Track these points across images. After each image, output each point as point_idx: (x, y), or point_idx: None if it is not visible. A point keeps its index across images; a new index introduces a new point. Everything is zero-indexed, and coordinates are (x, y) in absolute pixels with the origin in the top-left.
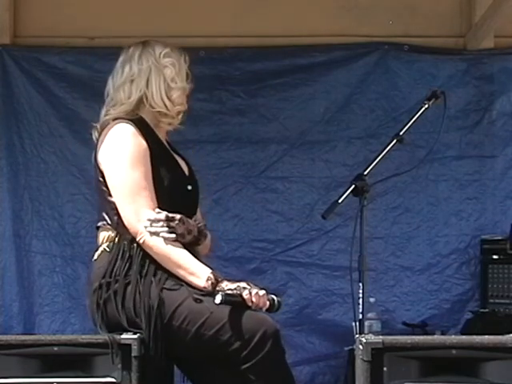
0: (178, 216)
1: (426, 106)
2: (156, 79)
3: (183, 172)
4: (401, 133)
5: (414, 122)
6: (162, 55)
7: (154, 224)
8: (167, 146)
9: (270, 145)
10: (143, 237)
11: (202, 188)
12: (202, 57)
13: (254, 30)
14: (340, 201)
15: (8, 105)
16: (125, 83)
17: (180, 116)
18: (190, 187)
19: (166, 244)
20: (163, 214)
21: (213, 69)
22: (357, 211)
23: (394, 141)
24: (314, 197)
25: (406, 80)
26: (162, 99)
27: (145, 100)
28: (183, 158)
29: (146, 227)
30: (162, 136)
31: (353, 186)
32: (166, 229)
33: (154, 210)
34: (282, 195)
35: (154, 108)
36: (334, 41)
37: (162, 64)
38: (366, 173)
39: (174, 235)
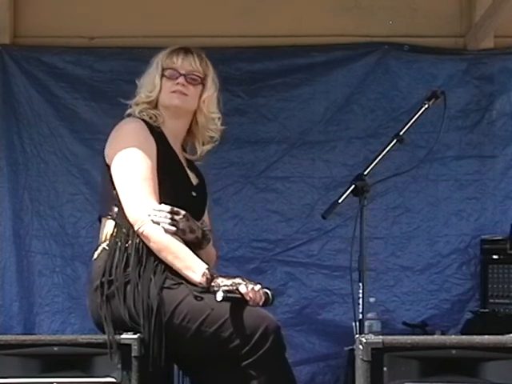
0: (182, 212)
1: (426, 105)
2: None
3: (189, 179)
4: (401, 133)
5: (414, 122)
6: (150, 62)
7: (157, 214)
8: (177, 152)
9: (269, 145)
10: (144, 224)
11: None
12: None
13: (254, 30)
14: (340, 201)
15: (8, 105)
16: None
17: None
18: (194, 194)
19: (166, 234)
20: (168, 207)
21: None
22: (357, 211)
23: (394, 141)
24: (313, 197)
25: (406, 80)
26: None
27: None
28: (197, 173)
29: (149, 215)
30: (171, 141)
31: (353, 186)
32: (169, 221)
33: (156, 201)
34: (281, 195)
35: None
36: (334, 41)
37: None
38: (366, 173)
39: (174, 228)
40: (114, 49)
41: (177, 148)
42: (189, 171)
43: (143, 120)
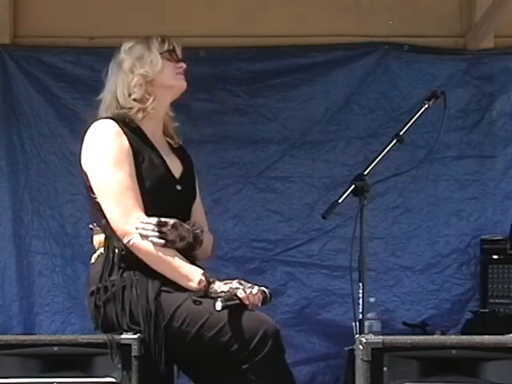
0: (171, 221)
1: (426, 105)
2: (118, 80)
3: (170, 172)
4: (401, 133)
5: (414, 122)
6: (123, 52)
7: (144, 226)
8: (154, 144)
9: (269, 145)
10: (132, 238)
11: (202, 188)
12: (202, 57)
13: (254, 30)
14: (340, 201)
15: (8, 105)
16: (105, 87)
17: (149, 103)
18: (179, 187)
19: (155, 247)
20: (155, 219)
21: (213, 69)
22: (357, 211)
23: (394, 141)
24: (314, 197)
25: (406, 80)
26: (124, 96)
27: (116, 102)
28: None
29: (137, 228)
30: (151, 132)
31: (353, 186)
32: (157, 234)
33: (141, 211)
34: (281, 195)
35: (124, 108)
36: (334, 41)
37: (121, 60)
38: (366, 173)
39: (163, 241)
40: (114, 49)
41: (157, 138)
42: (171, 162)
43: (114, 118)
